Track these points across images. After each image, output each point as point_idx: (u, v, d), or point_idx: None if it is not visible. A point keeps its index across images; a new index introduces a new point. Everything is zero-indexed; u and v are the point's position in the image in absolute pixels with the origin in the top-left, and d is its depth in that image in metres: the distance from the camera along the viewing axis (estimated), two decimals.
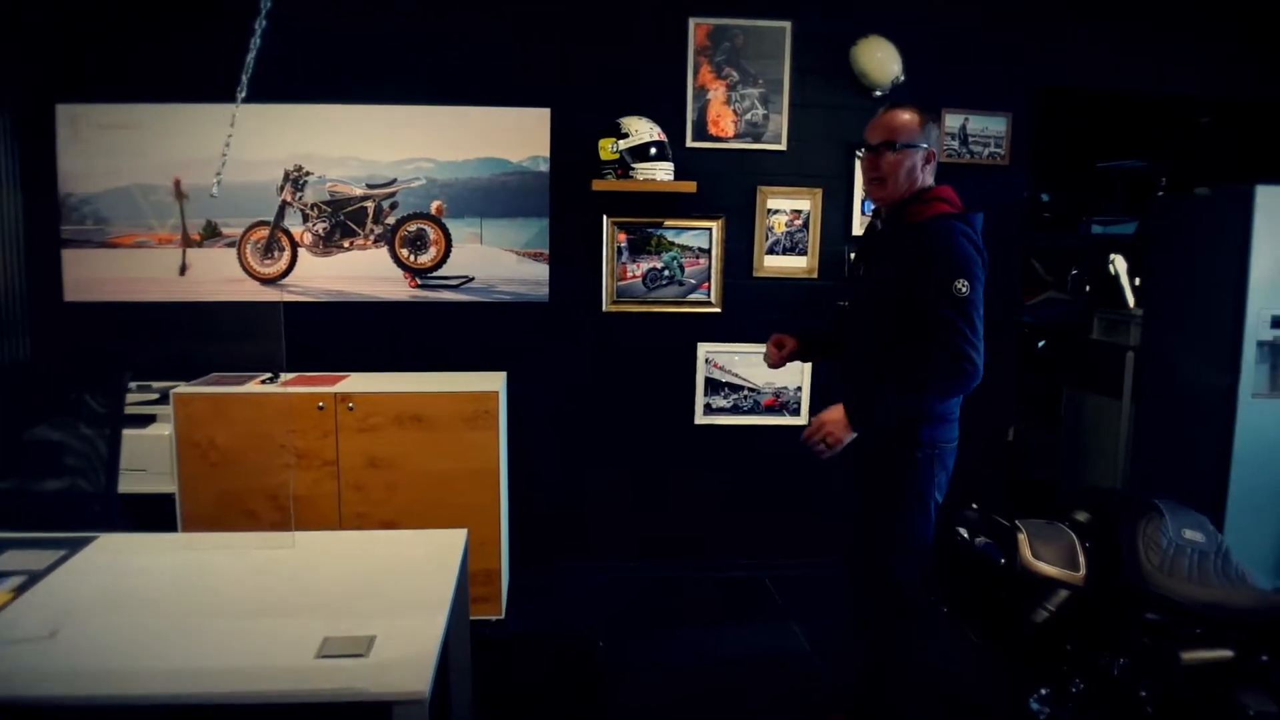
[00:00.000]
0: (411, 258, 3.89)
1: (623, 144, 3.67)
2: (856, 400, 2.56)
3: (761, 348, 2.84)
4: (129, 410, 2.94)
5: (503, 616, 3.69)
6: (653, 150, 3.70)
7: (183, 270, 3.90)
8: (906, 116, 2.59)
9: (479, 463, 3.54)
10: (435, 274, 3.91)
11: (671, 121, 3.91)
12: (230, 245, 3.87)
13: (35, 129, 3.81)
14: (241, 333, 3.91)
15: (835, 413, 2.55)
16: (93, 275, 3.89)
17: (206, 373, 3.80)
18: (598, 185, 3.73)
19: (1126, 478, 4.91)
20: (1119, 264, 6.91)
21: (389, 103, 3.83)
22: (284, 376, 3.65)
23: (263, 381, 3.61)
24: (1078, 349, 5.44)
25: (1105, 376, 5.10)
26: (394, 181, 3.85)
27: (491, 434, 3.53)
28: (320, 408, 3.44)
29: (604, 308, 4.00)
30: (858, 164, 4.06)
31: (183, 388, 3.48)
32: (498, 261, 3.93)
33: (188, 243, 3.88)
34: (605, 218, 3.94)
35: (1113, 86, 4.46)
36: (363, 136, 3.83)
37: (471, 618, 2.48)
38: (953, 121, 4.15)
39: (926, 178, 2.61)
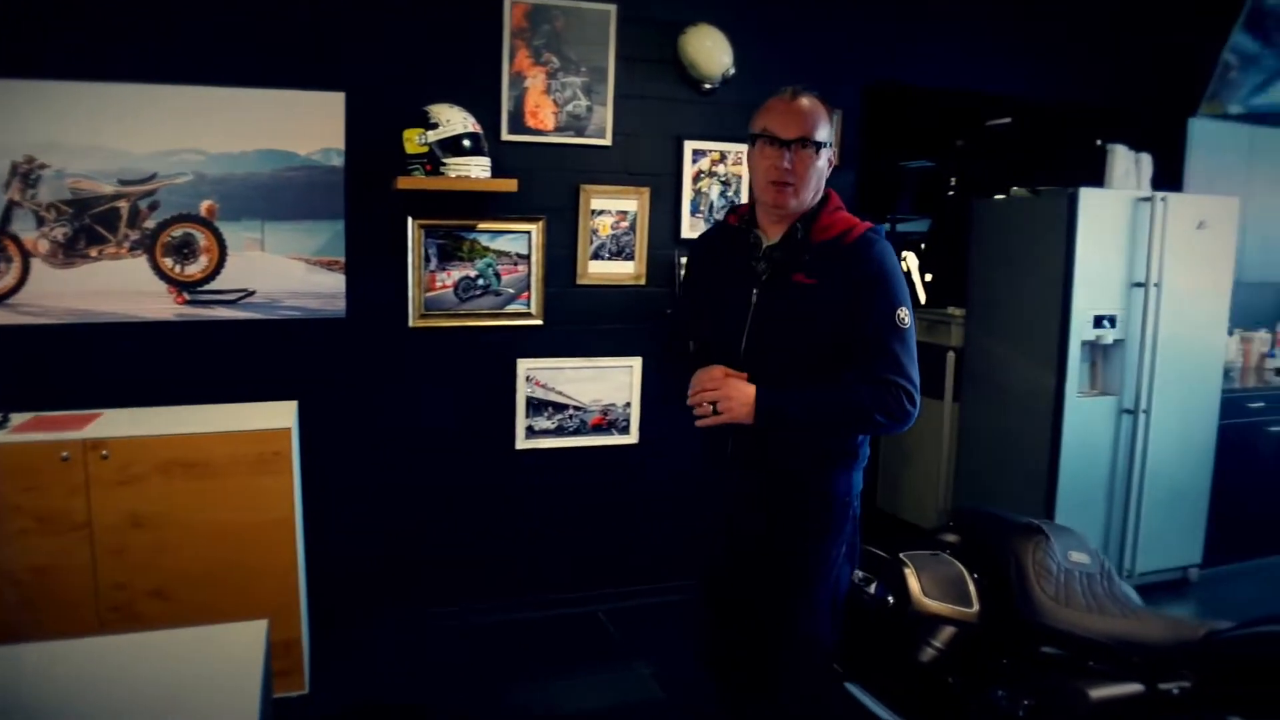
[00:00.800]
0: (177, 268, 3.30)
1: (431, 135, 3.22)
2: (773, 392, 2.16)
3: (588, 362, 2.45)
4: None
5: (306, 691, 3.16)
6: (466, 143, 3.27)
7: None
8: (824, 108, 2.22)
9: (269, 513, 3.02)
10: (207, 287, 3.34)
11: (486, 111, 3.51)
12: None
13: None
14: None
15: (746, 391, 2.14)
16: None
17: None
18: (403, 183, 3.27)
19: (952, 476, 4.92)
20: (910, 262, 7.10)
21: (147, 81, 3.21)
22: (15, 419, 2.98)
23: None
24: None
25: (926, 377, 5.04)
26: (153, 177, 3.23)
27: (283, 478, 3.02)
28: (65, 458, 2.81)
29: (411, 322, 3.55)
30: (687, 161, 3.83)
31: None
32: (284, 272, 3.40)
33: None
34: (411, 220, 3.48)
35: (940, 84, 4.41)
36: (114, 122, 3.19)
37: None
38: None
39: (824, 180, 2.30)
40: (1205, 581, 4.64)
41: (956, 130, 6.46)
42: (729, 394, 2.14)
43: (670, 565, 4.09)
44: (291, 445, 3.05)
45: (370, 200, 3.46)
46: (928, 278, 6.82)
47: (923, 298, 6.40)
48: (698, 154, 3.86)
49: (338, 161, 3.40)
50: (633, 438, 3.93)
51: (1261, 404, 4.74)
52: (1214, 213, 4.31)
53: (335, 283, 3.46)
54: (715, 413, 2.15)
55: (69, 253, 3.21)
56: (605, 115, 3.71)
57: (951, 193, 6.87)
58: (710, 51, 3.74)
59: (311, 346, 3.49)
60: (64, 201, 3.20)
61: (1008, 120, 6.06)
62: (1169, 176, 4.63)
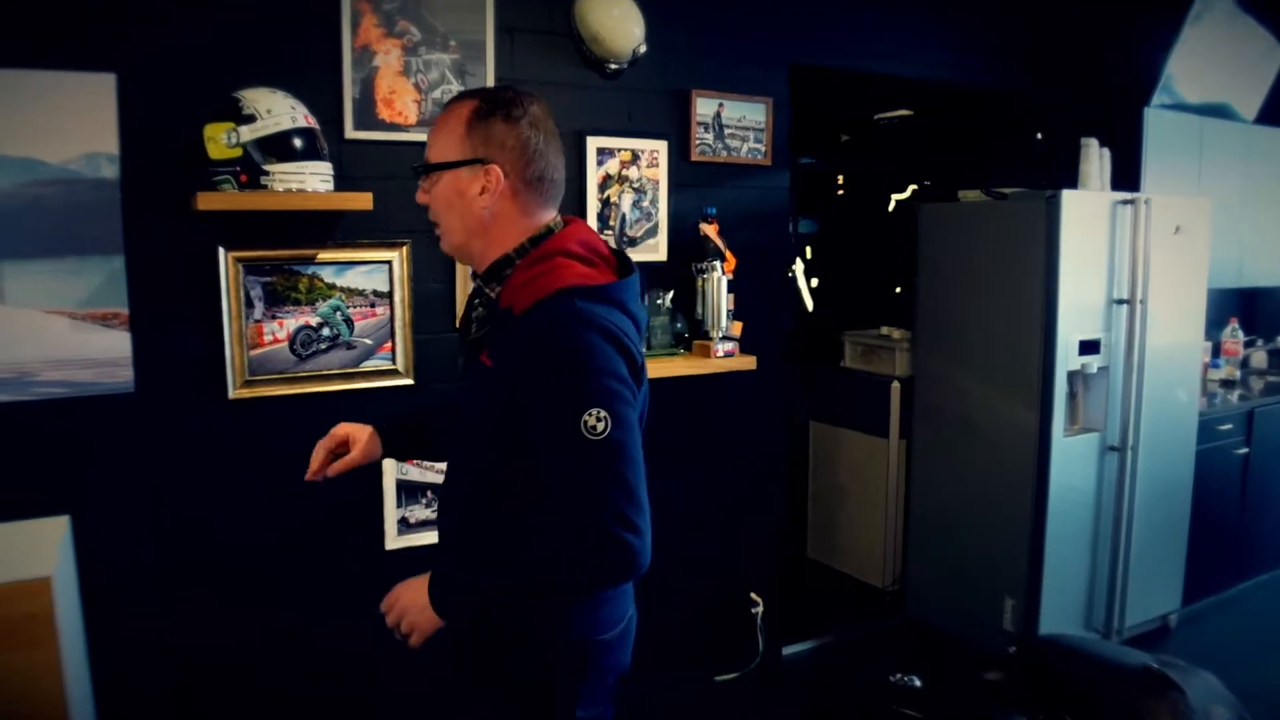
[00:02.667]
0: None
1: (246, 133, 2.28)
2: (445, 573, 1.65)
3: None
4: None
5: None
6: (296, 142, 2.34)
7: None
8: (450, 113, 1.66)
9: (28, 704, 1.99)
10: None
11: (323, 100, 2.59)
12: None
13: None
14: None
15: (413, 587, 1.65)
16: None
17: None
18: (206, 201, 2.30)
19: (900, 523, 4.25)
20: (796, 268, 6.59)
21: None
22: None
23: None
24: (828, 381, 4.74)
25: (863, 412, 4.42)
26: None
27: (42, 651, 2.00)
28: None
29: (231, 393, 2.56)
30: (590, 162, 3.00)
31: None
32: (36, 332, 2.37)
33: None
34: (223, 252, 2.51)
35: (865, 68, 3.67)
36: None
37: None
38: (706, 108, 3.19)
39: (502, 215, 1.63)
40: (1183, 624, 4.12)
41: (845, 125, 5.99)
42: (400, 608, 1.65)
43: None
44: (52, 601, 2.01)
45: (162, 226, 2.47)
46: (814, 283, 6.33)
47: (809, 305, 5.94)
48: (604, 154, 3.04)
49: (110, 172, 2.40)
50: None
51: (1229, 425, 4.23)
52: (1188, 215, 3.79)
53: (116, 344, 2.45)
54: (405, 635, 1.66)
55: None
56: None
57: (840, 192, 6.45)
58: (618, 22, 2.92)
59: (86, 436, 2.47)
60: None
61: (904, 113, 5.63)
62: (1124, 175, 4.03)
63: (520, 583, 1.58)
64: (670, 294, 3.14)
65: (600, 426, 1.47)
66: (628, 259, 1.74)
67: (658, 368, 2.95)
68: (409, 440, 2.05)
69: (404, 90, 2.71)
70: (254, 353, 2.59)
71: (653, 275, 3.17)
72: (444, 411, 2.01)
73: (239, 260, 2.53)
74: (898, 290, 5.58)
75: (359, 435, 1.95)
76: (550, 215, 1.70)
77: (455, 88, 2.78)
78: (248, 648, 2.71)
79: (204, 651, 2.68)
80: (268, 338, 2.60)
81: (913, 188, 6.02)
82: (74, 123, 2.36)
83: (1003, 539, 3.68)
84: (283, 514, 2.70)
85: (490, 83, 2.82)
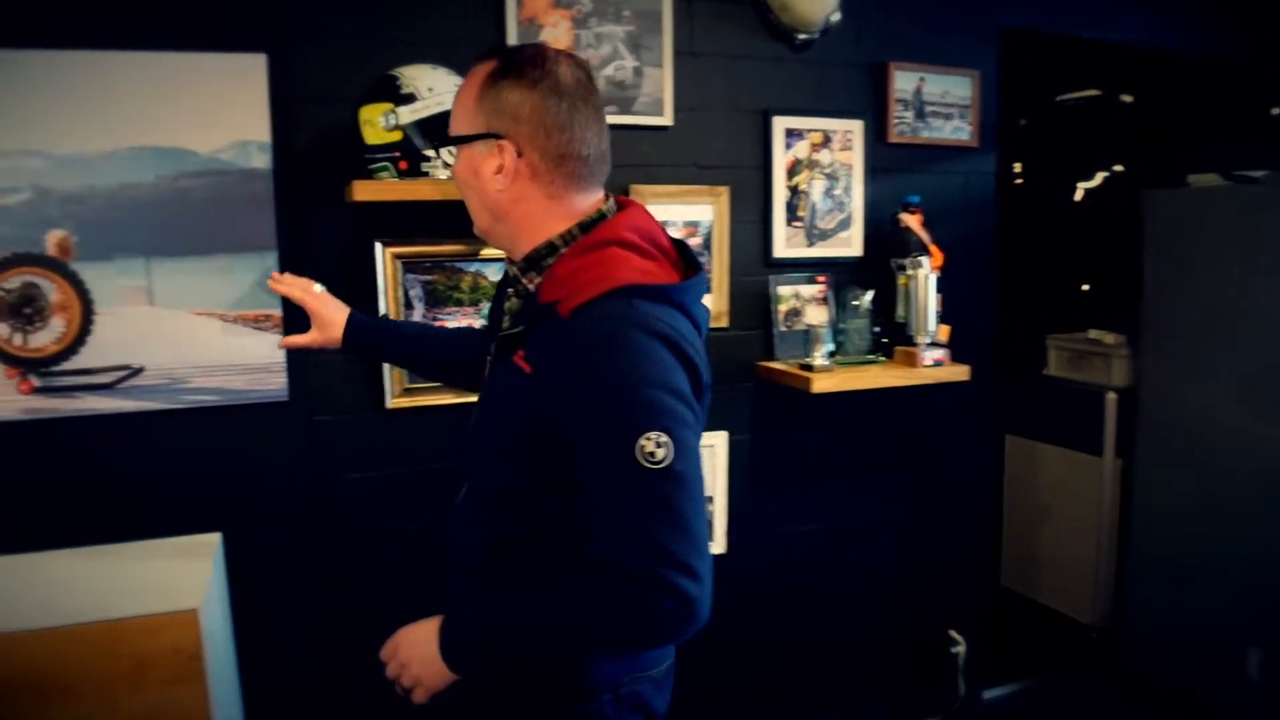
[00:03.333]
0: (17, 339, 2.11)
1: (406, 114, 2.05)
2: (457, 620, 1.41)
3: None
4: None
5: None
6: None
7: None
8: (468, 78, 1.42)
9: None
10: (66, 365, 2.14)
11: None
12: None
13: None
14: None
15: (420, 635, 1.42)
16: None
17: None
18: (362, 191, 2.10)
19: (1114, 554, 3.74)
20: None
21: None
22: None
23: None
24: (1026, 390, 4.23)
25: (1070, 426, 3.94)
26: None
27: (192, 687, 1.81)
28: None
29: (389, 401, 2.35)
30: (778, 145, 2.67)
31: None
32: (187, 335, 2.21)
33: None
34: (380, 247, 2.30)
35: (1084, 32, 3.18)
36: None
37: None
38: (905, 83, 2.81)
39: (524, 198, 1.39)
40: None
41: (1021, 109, 5.48)
42: (404, 658, 1.43)
43: None
44: (200, 634, 1.81)
45: (316, 220, 2.28)
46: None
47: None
48: (792, 135, 2.70)
49: (260, 162, 2.21)
50: (718, 546, 2.71)
51: None
52: None
53: (269, 349, 2.27)
54: (408, 690, 1.45)
55: None
56: (661, 82, 2.53)
57: (1018, 181, 5.93)
58: None
59: (237, 447, 2.30)
60: None
61: (1092, 94, 5.09)
62: None
63: (550, 637, 1.35)
64: (869, 294, 2.76)
65: (660, 454, 1.22)
66: (691, 252, 1.49)
67: (853, 378, 2.60)
68: (374, 343, 1.87)
69: None
70: None
71: (846, 272, 2.82)
72: (424, 336, 1.92)
73: (397, 257, 2.31)
74: (1085, 288, 5.05)
75: (327, 316, 1.81)
76: (593, 198, 1.44)
77: (630, 65, 2.51)
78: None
79: (363, 677, 2.51)
80: None
81: (1102, 175, 5.49)
82: (225, 109, 2.18)
83: (1249, 578, 3.14)
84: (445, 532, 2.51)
85: (667, 58, 2.53)
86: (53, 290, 2.14)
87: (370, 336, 1.86)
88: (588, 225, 1.41)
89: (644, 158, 2.55)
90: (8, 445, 2.17)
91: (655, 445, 1.22)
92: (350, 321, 1.83)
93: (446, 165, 2.10)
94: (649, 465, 1.22)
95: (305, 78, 2.25)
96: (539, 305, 1.37)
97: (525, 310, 1.43)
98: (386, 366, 2.33)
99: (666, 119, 2.55)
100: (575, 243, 1.40)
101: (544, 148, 1.36)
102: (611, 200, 1.46)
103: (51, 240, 2.12)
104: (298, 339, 1.85)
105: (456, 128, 1.42)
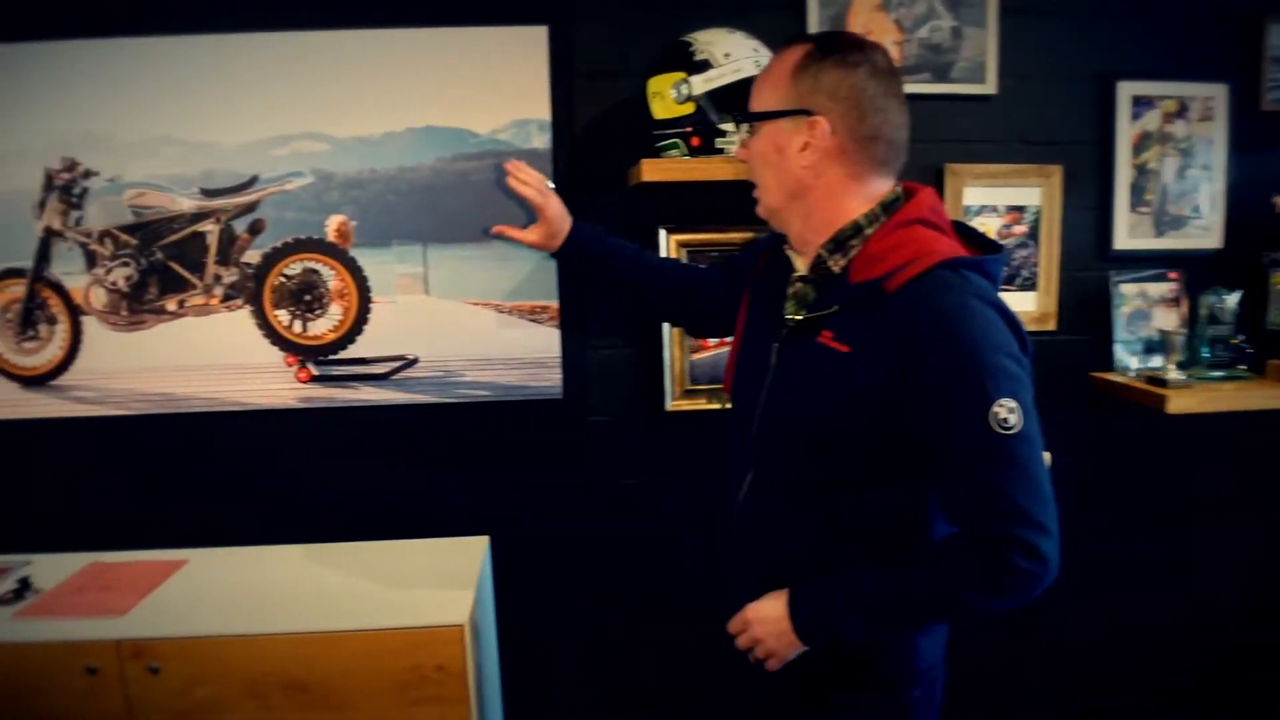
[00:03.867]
0: (296, 326, 2.08)
1: (700, 83, 1.82)
2: (809, 592, 1.42)
3: None
4: None
5: None
6: None
7: None
8: (778, 59, 1.42)
9: None
10: (343, 354, 2.09)
11: (779, 42, 2.07)
12: None
13: None
14: None
15: (771, 609, 1.44)
16: None
17: None
18: (652, 170, 1.89)
19: None
20: None
21: (238, 30, 2.01)
22: (37, 580, 1.82)
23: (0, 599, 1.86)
24: None
25: None
26: (253, 182, 2.02)
27: (456, 709, 1.69)
28: (90, 672, 1.64)
29: (668, 403, 2.14)
30: (1122, 117, 2.24)
31: None
32: (462, 326, 2.10)
33: None
34: (665, 234, 2.10)
35: None
36: (191, 99, 2.01)
37: None
38: None
39: (825, 177, 1.37)
40: None
41: None
42: (755, 634, 1.46)
43: None
44: (466, 653, 1.68)
45: (596, 203, 2.08)
46: None
47: None
48: (1140, 104, 2.26)
49: (540, 142, 2.05)
50: None
51: None
52: None
53: (543, 342, 2.12)
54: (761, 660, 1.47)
55: (135, 306, 2.05)
56: (983, 43, 2.16)
57: None
58: None
59: (509, 446, 2.17)
60: (123, 227, 2.03)
61: None
62: None
63: (920, 603, 1.37)
64: (1236, 296, 2.26)
65: (1011, 419, 1.26)
66: (976, 231, 1.46)
67: (1219, 396, 2.13)
68: (590, 258, 1.81)
69: (882, 28, 2.12)
70: (697, 357, 2.14)
71: (1203, 268, 2.33)
72: (640, 263, 1.79)
73: (683, 245, 2.10)
74: None
75: (555, 218, 1.77)
76: (888, 184, 1.42)
77: (946, 24, 2.16)
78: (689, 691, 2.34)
79: (641, 705, 2.35)
80: (713, 341, 2.16)
81: None
82: (505, 86, 2.04)
83: None
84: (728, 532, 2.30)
85: (991, 16, 2.15)
86: (332, 277, 2.09)
87: (589, 249, 1.82)
88: (889, 206, 1.40)
89: (961, 132, 2.20)
90: (285, 433, 2.15)
91: (1007, 412, 1.25)
92: (574, 230, 1.81)
93: (741, 142, 1.89)
94: (1002, 431, 1.25)
95: (588, 49, 2.07)
96: (851, 285, 1.36)
97: (831, 290, 1.39)
98: (668, 367, 2.11)
99: (989, 87, 2.18)
100: (883, 223, 1.38)
101: (855, 128, 1.35)
102: (898, 186, 1.43)
103: (332, 226, 2.06)
104: (515, 231, 1.82)
105: (764, 103, 1.40)
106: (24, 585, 1.90)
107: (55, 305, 2.09)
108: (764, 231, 2.10)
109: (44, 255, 2.06)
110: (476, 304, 2.10)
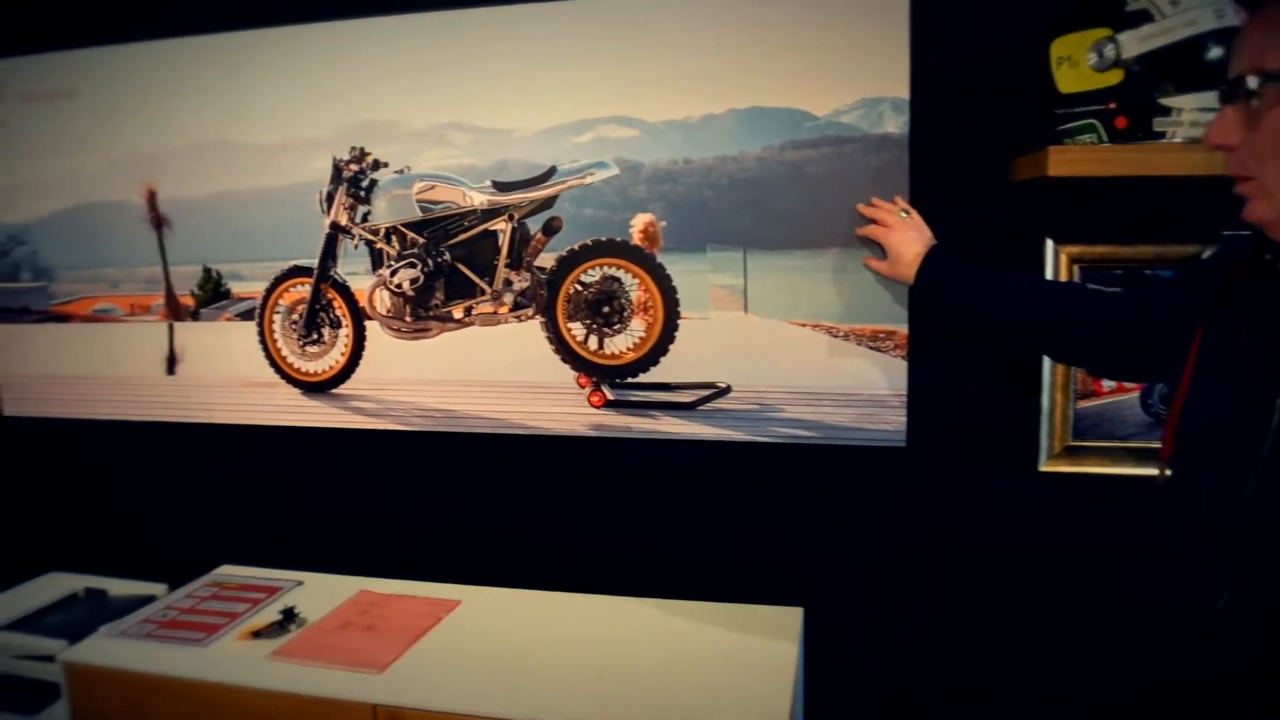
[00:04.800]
0: (592, 341, 1.80)
1: (1132, 42, 1.33)
2: None
3: None
4: None
5: None
6: (1218, 54, 1.30)
7: (171, 363, 2.08)
8: None
9: None
10: (643, 378, 1.78)
11: None
12: (246, 316, 2.00)
13: None
14: (261, 494, 2.08)
15: None
16: (36, 370, 2.17)
17: (209, 567, 2.01)
18: (1062, 161, 1.40)
19: None
20: None
21: (532, 0, 1.85)
22: (304, 610, 1.68)
23: (262, 631, 1.65)
24: None
25: None
26: (550, 174, 1.75)
27: None
28: None
29: (1042, 462, 1.66)
30: None
31: (95, 642, 1.68)
32: (784, 351, 1.73)
33: (176, 311, 2.06)
34: (1052, 246, 1.60)
35: None
36: (483, 80, 1.77)
37: None
38: None
39: None
40: None
41: None
42: None
43: None
44: None
45: (964, 205, 1.63)
46: None
47: None
48: None
49: (895, 125, 1.62)
50: None
51: None
52: None
53: (886, 375, 1.70)
54: None
55: (419, 311, 1.85)
56: None
57: None
58: None
59: (833, 499, 1.78)
60: (410, 224, 1.83)
61: None
62: None
63: None
64: None
65: None
66: None
67: None
68: (951, 296, 1.50)
69: None
70: (1085, 404, 1.64)
71: None
72: (1022, 297, 1.42)
73: (1077, 261, 1.60)
74: None
75: (897, 248, 1.55)
76: None
77: None
78: None
79: None
80: (1108, 384, 1.64)
81: None
82: (851, 54, 1.62)
83: None
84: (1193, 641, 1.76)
85: None
86: (634, 286, 1.78)
87: (948, 288, 1.52)
88: None
89: None
90: (572, 465, 1.88)
91: None
92: (927, 259, 1.53)
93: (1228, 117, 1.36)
94: None
95: (965, 5, 1.62)
96: None
97: None
98: (1045, 415, 1.63)
99: None
100: None
101: None
102: None
103: (637, 226, 1.76)
104: (874, 262, 1.63)
105: None
106: (289, 616, 1.75)
107: (340, 307, 1.93)
108: (1197, 248, 1.61)
109: (330, 253, 1.91)
110: (804, 324, 1.73)
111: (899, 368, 1.70)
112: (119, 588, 2.06)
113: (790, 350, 1.74)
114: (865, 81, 1.64)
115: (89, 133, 2.03)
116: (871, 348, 1.71)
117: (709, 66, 1.69)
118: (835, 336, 1.72)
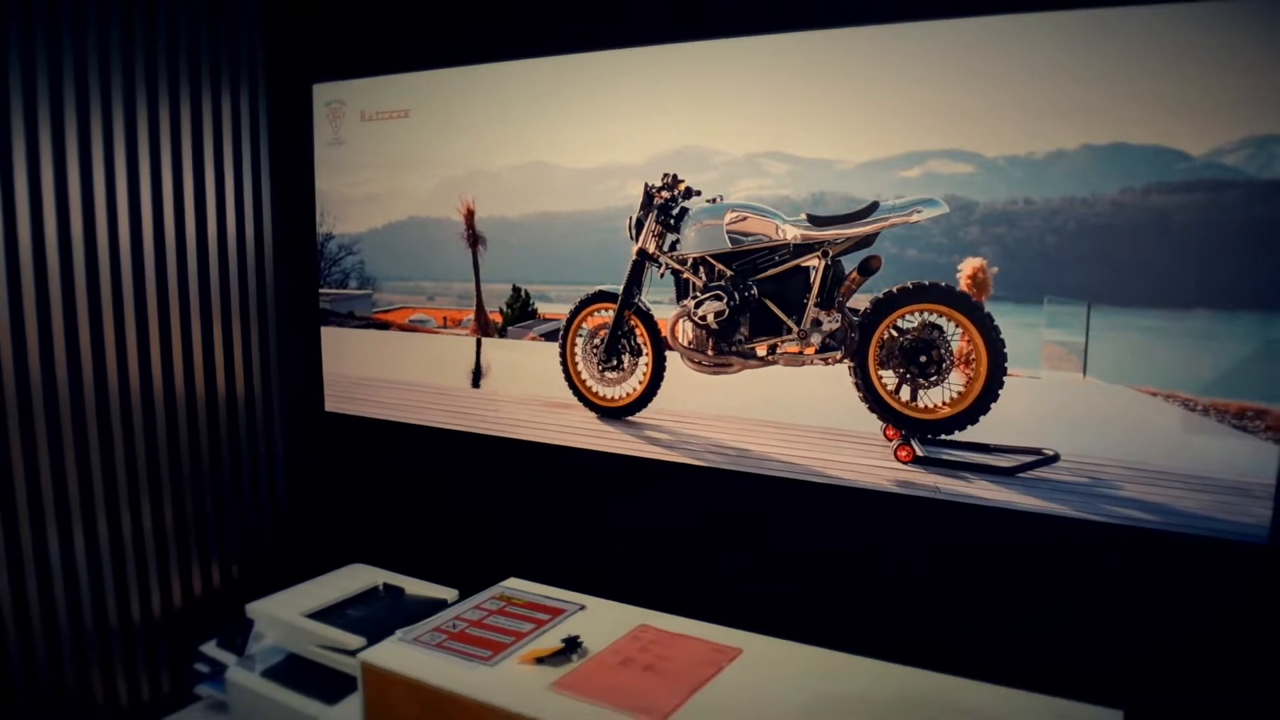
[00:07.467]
0: (904, 391, 1.68)
1: None
2: None
3: None
4: None
5: None
6: None
7: (476, 376, 2.24)
8: None
9: None
10: (956, 435, 1.65)
11: None
12: (549, 337, 2.05)
13: (284, 127, 2.39)
14: (552, 512, 2.13)
15: None
16: (356, 371, 2.36)
17: (498, 577, 2.04)
18: None
19: None
20: None
21: (867, 22, 1.65)
22: (587, 640, 1.65)
23: (545, 658, 1.64)
24: None
25: None
26: (871, 210, 1.65)
27: None
28: None
29: None
30: None
31: (390, 646, 1.74)
32: (1128, 421, 1.54)
33: (485, 327, 2.20)
34: None
35: None
36: (805, 108, 1.70)
37: None
38: None
39: None
40: None
41: None
42: None
43: None
44: None
45: None
46: None
47: None
48: None
49: None
50: None
51: None
52: None
53: (1251, 460, 1.47)
54: None
55: (722, 346, 1.80)
56: None
57: None
58: None
59: (1174, 595, 1.56)
60: (719, 255, 1.79)
61: None
62: None
63: None
64: None
65: None
66: None
67: None
68: None
69: None
70: None
71: None
72: None
73: None
74: None
75: None
76: None
77: None
78: None
79: None
80: None
81: None
82: (1234, 83, 1.40)
83: None
84: None
85: None
86: (957, 335, 1.65)
87: None
88: None
89: None
90: (870, 519, 1.77)
91: None
92: None
93: None
94: None
95: None
96: None
97: None
98: None
99: None
100: None
101: None
102: None
103: (965, 271, 1.62)
104: None
105: None
106: (571, 645, 1.74)
107: (641, 335, 1.93)
108: None
109: (636, 280, 1.91)
110: (1155, 393, 1.53)
111: (1269, 452, 1.46)
112: (414, 587, 2.17)
113: (1134, 420, 1.55)
114: (1254, 115, 1.42)
115: (417, 151, 2.16)
116: (1236, 426, 1.48)
117: (1061, 95, 1.53)
118: (1192, 410, 1.50)
